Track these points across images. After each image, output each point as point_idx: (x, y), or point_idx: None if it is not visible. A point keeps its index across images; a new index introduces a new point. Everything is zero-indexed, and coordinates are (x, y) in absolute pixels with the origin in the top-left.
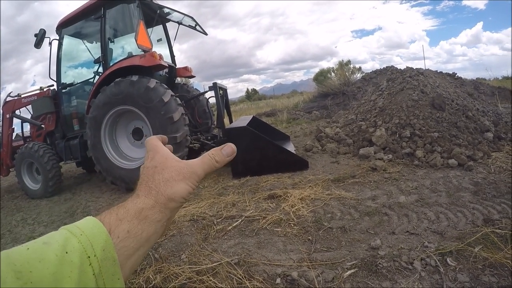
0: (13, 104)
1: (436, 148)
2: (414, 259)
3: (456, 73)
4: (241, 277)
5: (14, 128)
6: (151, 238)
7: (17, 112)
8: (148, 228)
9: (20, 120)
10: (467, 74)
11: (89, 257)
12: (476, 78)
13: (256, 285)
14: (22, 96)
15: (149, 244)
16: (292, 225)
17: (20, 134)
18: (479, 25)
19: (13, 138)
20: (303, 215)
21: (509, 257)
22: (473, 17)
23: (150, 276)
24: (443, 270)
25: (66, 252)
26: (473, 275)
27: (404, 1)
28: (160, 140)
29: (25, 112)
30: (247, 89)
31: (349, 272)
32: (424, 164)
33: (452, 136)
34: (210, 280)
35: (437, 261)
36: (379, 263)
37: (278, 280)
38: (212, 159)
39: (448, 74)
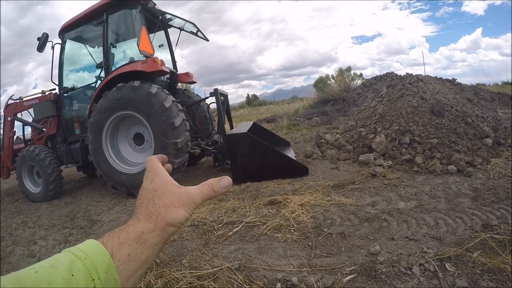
0: (15, 107)
1: (436, 154)
2: (413, 265)
3: (455, 79)
4: (241, 282)
5: (15, 131)
6: (149, 260)
7: (18, 115)
8: (147, 251)
9: (22, 123)
10: (467, 80)
11: (93, 279)
12: (476, 84)
13: None
14: (24, 99)
15: (147, 265)
16: (292, 231)
17: (21, 137)
18: (478, 31)
19: (14, 141)
20: (303, 221)
21: (508, 262)
22: (472, 23)
23: (152, 281)
24: (442, 275)
25: (72, 275)
26: (471, 280)
27: (403, 8)
28: (160, 160)
29: (27, 115)
30: (248, 94)
31: (348, 277)
32: (423, 170)
33: (451, 142)
34: (211, 285)
35: (435, 266)
36: (378, 269)
37: (278, 285)
38: (210, 189)
39: (447, 80)
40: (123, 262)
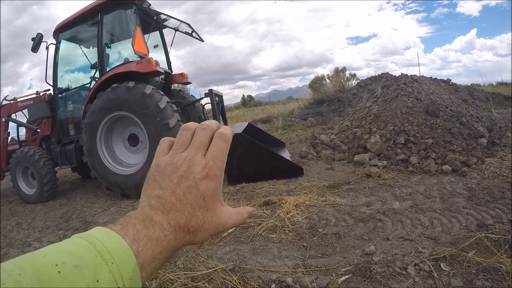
0: (9, 108)
1: (430, 154)
2: (408, 265)
3: (450, 80)
4: (236, 284)
5: (9, 132)
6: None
7: (13, 116)
8: (168, 256)
9: (16, 124)
10: (462, 80)
11: (118, 287)
12: (471, 84)
13: None
14: (18, 100)
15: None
16: (287, 231)
17: (16, 138)
18: (473, 31)
19: (9, 142)
20: (298, 221)
21: (503, 262)
22: (467, 24)
23: (146, 283)
24: (437, 275)
25: (97, 281)
26: (466, 279)
27: (398, 9)
28: None
29: (21, 116)
30: (243, 95)
31: (343, 278)
32: (418, 170)
33: (446, 142)
34: (205, 287)
35: (431, 266)
36: (373, 269)
37: (273, 286)
38: (245, 218)
39: (442, 81)
40: (149, 274)
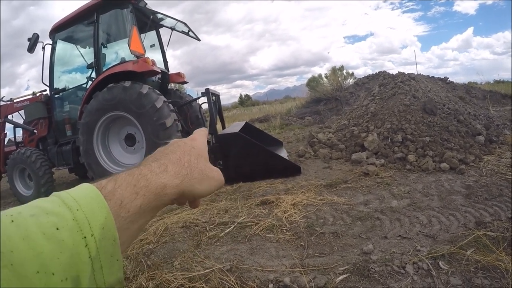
0: (6, 109)
1: (428, 152)
2: (406, 263)
3: (447, 78)
4: (233, 284)
5: (6, 133)
6: (146, 222)
7: (9, 117)
8: (157, 209)
9: (13, 125)
10: (459, 79)
11: (84, 237)
12: (468, 82)
13: None
14: (15, 100)
15: (142, 228)
16: (285, 231)
17: (12, 139)
18: (470, 30)
19: (5, 143)
20: (295, 220)
21: (501, 259)
22: (463, 23)
23: (143, 283)
24: (436, 273)
25: (57, 229)
26: (465, 278)
27: (395, 7)
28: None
29: (18, 117)
30: (240, 94)
31: (341, 277)
32: (416, 168)
33: (443, 140)
34: (203, 287)
35: (429, 264)
36: (371, 268)
37: (271, 286)
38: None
39: (439, 79)
40: (132, 214)
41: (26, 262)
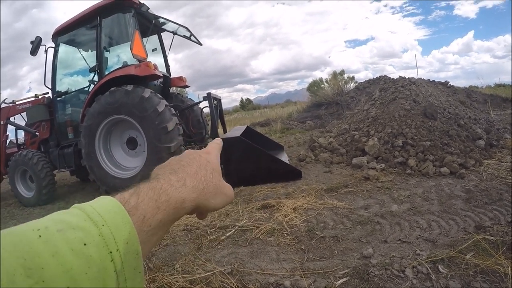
0: (8, 111)
1: (428, 157)
2: (406, 267)
3: (448, 82)
4: (234, 287)
5: (8, 135)
6: (171, 224)
7: (11, 119)
8: (174, 221)
9: (15, 127)
10: (460, 83)
11: (110, 252)
12: (469, 86)
13: None
14: (17, 103)
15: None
16: (285, 234)
17: (14, 141)
18: (470, 34)
19: (7, 145)
20: (296, 224)
21: (501, 263)
22: (464, 26)
23: (144, 286)
24: (435, 277)
25: (85, 244)
26: (464, 282)
27: (396, 11)
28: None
29: (20, 119)
30: (241, 98)
31: (341, 280)
32: (416, 173)
33: (444, 145)
34: None
35: (428, 268)
36: (371, 272)
37: None
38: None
39: (440, 83)
40: (153, 228)
41: (56, 278)
